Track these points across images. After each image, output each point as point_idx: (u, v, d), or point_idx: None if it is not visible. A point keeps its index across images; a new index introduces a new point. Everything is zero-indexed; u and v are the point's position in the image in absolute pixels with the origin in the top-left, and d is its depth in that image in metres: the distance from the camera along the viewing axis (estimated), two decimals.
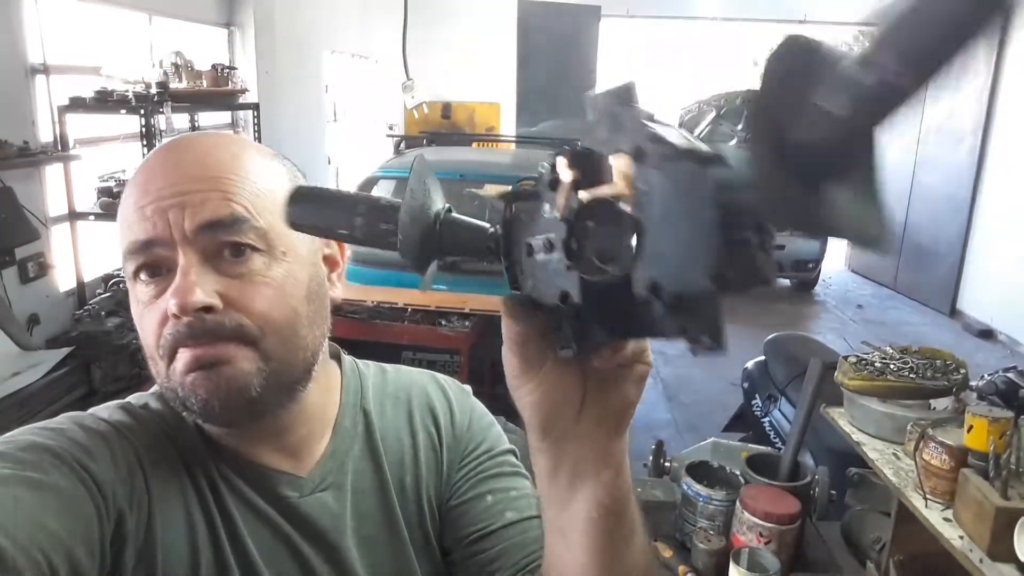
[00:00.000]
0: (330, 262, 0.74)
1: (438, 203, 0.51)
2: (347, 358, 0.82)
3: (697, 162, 0.38)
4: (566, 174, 0.45)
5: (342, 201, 0.52)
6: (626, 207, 0.42)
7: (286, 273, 0.66)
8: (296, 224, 0.53)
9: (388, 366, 0.86)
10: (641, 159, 0.42)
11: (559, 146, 0.49)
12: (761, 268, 0.38)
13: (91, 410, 0.66)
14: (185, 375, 0.61)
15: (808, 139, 0.33)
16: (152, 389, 0.72)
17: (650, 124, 0.42)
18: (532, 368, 0.50)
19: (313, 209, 0.53)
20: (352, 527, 0.72)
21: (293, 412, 0.69)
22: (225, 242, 0.62)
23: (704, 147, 0.39)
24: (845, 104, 0.32)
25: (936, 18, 0.30)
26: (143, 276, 0.63)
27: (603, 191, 0.44)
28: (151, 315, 0.63)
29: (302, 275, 0.68)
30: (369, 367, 0.84)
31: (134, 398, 0.71)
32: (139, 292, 0.63)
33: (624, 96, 0.45)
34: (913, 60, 0.30)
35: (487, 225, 0.51)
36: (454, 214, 0.51)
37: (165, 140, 0.73)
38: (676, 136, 0.40)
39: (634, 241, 0.42)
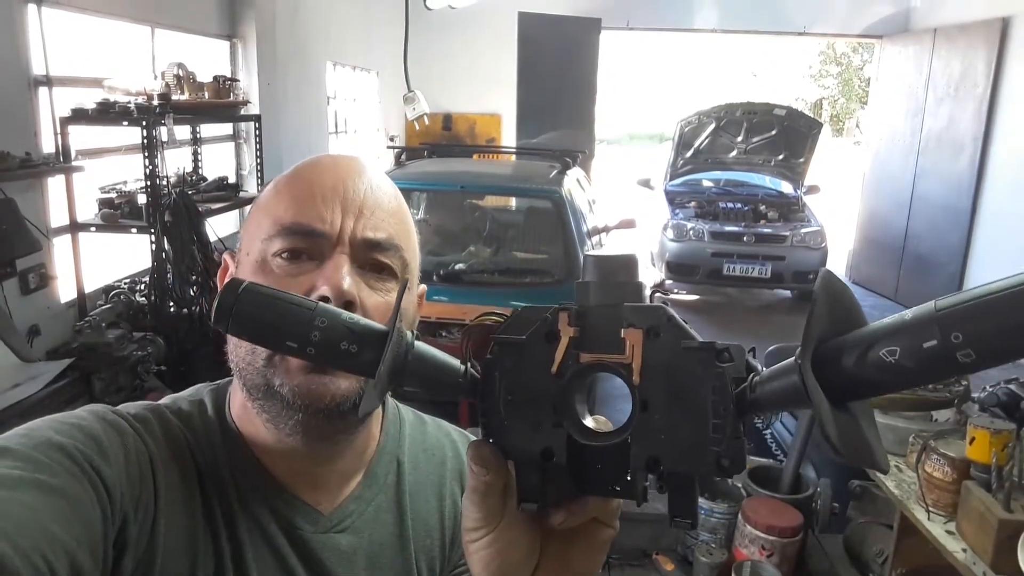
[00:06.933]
0: None
1: (408, 332, 0.48)
2: (390, 400, 0.80)
3: (716, 355, 0.42)
4: (567, 331, 0.45)
5: (297, 307, 0.47)
6: (635, 379, 0.43)
7: (405, 305, 0.67)
8: (239, 322, 0.46)
9: (427, 417, 0.85)
10: (655, 338, 0.43)
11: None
12: (744, 458, 0.42)
13: (121, 406, 0.65)
14: (301, 372, 0.61)
15: (861, 374, 0.38)
16: (189, 392, 0.71)
17: (667, 308, 0.44)
18: (491, 521, 0.48)
19: (262, 310, 0.46)
20: None
21: (343, 444, 0.69)
22: (373, 259, 0.66)
23: (718, 342, 0.42)
24: (911, 362, 0.36)
25: (1014, 324, 0.34)
26: (284, 256, 0.64)
27: (611, 358, 0.44)
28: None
29: (412, 312, 0.71)
30: (408, 413, 0.83)
31: (168, 399, 0.70)
32: (274, 265, 0.65)
33: (626, 267, 0.45)
34: (983, 351, 0.35)
35: (457, 363, 0.49)
36: (423, 345, 0.48)
37: (329, 153, 0.76)
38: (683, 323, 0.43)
39: (636, 414, 0.43)
